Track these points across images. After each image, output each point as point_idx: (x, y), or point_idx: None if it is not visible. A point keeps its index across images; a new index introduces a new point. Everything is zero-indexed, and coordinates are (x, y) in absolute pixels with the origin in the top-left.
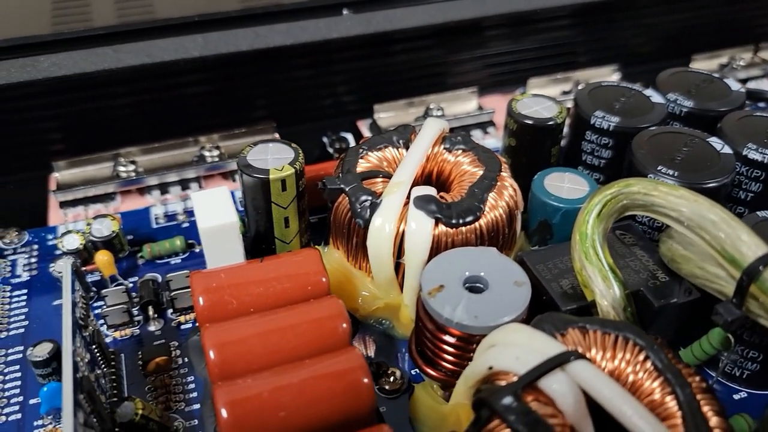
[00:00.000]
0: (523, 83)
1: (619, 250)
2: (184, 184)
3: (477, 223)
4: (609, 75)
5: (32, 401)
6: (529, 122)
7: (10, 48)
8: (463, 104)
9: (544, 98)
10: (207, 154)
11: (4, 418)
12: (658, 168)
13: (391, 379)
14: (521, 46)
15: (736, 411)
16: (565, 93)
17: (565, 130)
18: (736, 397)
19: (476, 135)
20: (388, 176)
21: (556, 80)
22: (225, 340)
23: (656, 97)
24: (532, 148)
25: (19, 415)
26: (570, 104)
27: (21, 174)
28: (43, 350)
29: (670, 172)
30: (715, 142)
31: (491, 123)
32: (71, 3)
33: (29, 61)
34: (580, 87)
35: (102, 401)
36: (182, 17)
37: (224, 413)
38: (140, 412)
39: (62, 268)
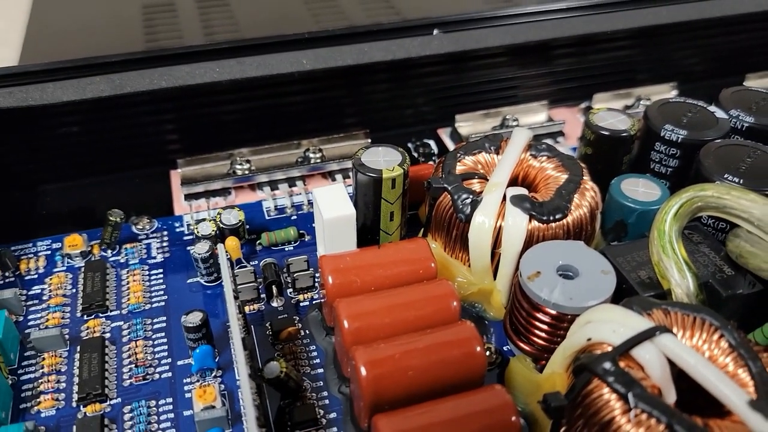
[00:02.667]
0: (588, 98)
1: (687, 247)
2: (291, 181)
3: (565, 220)
4: (668, 91)
5: (179, 362)
6: (606, 133)
7: (143, 59)
8: (534, 116)
9: (618, 112)
10: (311, 155)
11: (157, 375)
12: (725, 176)
13: (487, 353)
14: (587, 64)
15: None
16: (627, 107)
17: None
18: None
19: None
20: (483, 177)
21: (619, 95)
22: (357, 311)
23: (720, 113)
24: (607, 157)
25: (170, 374)
26: (640, 119)
27: (147, 169)
28: (195, 318)
29: (736, 179)
30: None
31: (561, 133)
32: (163, 23)
33: (157, 72)
34: (646, 102)
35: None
36: (295, 34)
37: (364, 371)
38: (284, 370)
39: (220, 250)
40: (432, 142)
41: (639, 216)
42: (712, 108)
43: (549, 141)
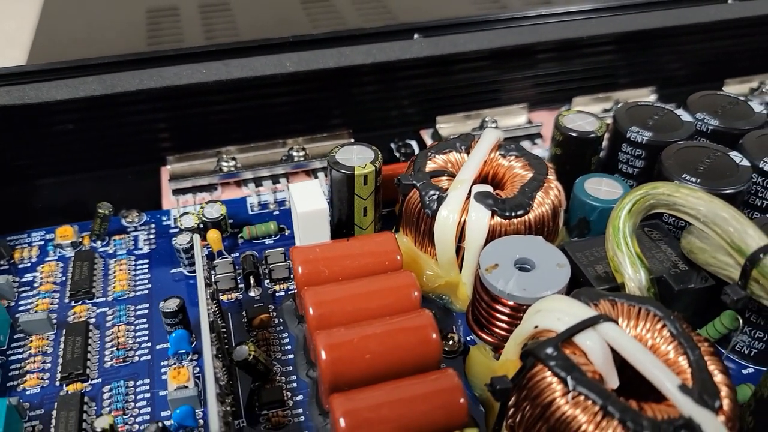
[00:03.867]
0: (568, 101)
1: (646, 244)
2: (275, 178)
3: (526, 217)
4: (647, 96)
5: (158, 346)
6: (574, 134)
7: (134, 61)
8: (514, 118)
9: (587, 114)
10: (294, 154)
11: (137, 358)
12: (683, 176)
13: (450, 342)
14: (567, 68)
15: (743, 382)
16: (605, 111)
17: (605, 143)
18: (744, 372)
19: (525, 145)
20: (452, 175)
21: (598, 99)
22: (322, 299)
23: (686, 116)
24: (575, 157)
25: (148, 357)
26: (610, 120)
27: (138, 166)
28: (172, 304)
29: (694, 179)
30: (735, 155)
31: (539, 135)
32: (165, 26)
33: (147, 72)
34: (618, 106)
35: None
36: (280, 38)
37: (324, 354)
38: (252, 353)
39: (194, 240)
40: (414, 143)
41: (600, 213)
42: (679, 111)
43: (527, 143)
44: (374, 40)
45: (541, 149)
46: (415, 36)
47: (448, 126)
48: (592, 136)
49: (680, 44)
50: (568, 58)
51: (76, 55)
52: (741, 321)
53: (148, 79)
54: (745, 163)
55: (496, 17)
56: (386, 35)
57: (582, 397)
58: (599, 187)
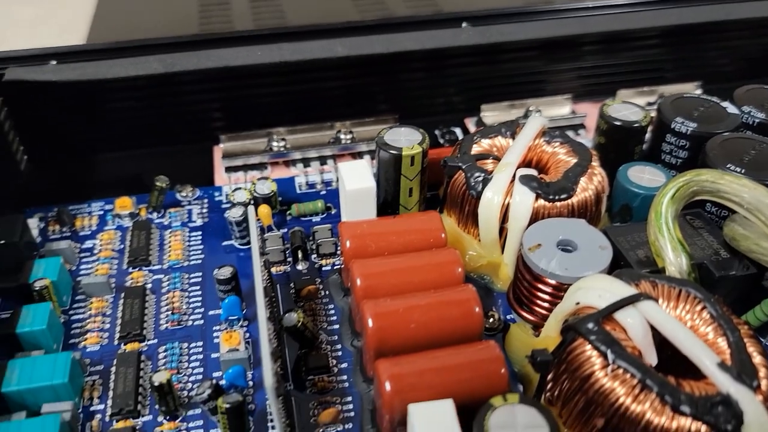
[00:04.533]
0: (612, 94)
1: (688, 231)
2: (322, 160)
3: (570, 201)
4: (692, 91)
5: (210, 312)
6: (618, 123)
7: (186, 43)
8: (558, 108)
9: (632, 105)
10: (342, 136)
11: (190, 322)
12: (728, 166)
13: (490, 320)
14: (613, 61)
15: None
16: (650, 104)
17: (648, 134)
18: None
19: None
20: (497, 159)
21: (643, 92)
22: (369, 271)
23: (731, 109)
24: (619, 146)
25: (201, 321)
26: (654, 113)
27: (193, 144)
28: (226, 271)
29: (738, 169)
30: None
31: (582, 126)
32: (216, 10)
33: (204, 53)
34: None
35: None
36: (330, 23)
37: (371, 322)
38: (301, 320)
39: (249, 210)
40: (458, 130)
41: (642, 200)
42: (725, 104)
43: (570, 133)
44: (423, 28)
45: (585, 140)
46: (464, 25)
47: (493, 114)
48: (636, 125)
49: (728, 39)
50: (614, 50)
51: (130, 37)
52: None
53: (205, 60)
54: None
55: (544, 8)
56: (435, 23)
57: (621, 371)
58: (642, 175)
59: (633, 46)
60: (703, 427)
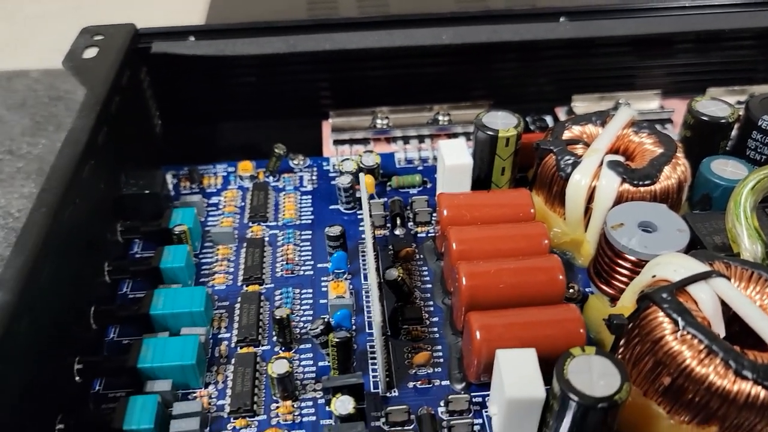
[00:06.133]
0: (702, 91)
1: (765, 222)
2: (420, 138)
3: (653, 187)
4: None
5: (319, 265)
6: (705, 118)
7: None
8: (647, 103)
9: (720, 102)
10: (440, 118)
11: (302, 272)
12: None
13: (570, 291)
14: (705, 60)
15: None
16: (740, 103)
17: (735, 132)
18: None
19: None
20: (586, 145)
21: (733, 91)
22: (464, 236)
23: None
24: (704, 140)
25: (311, 272)
26: (742, 111)
27: (305, 118)
28: (335, 229)
29: None
30: None
31: (670, 120)
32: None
33: (321, 37)
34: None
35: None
36: (436, 13)
37: (464, 280)
38: (400, 275)
39: (360, 176)
40: (549, 118)
41: (723, 191)
42: None
43: (657, 127)
44: (522, 21)
45: (671, 134)
46: (561, 19)
47: (583, 105)
48: (723, 121)
49: None
50: (706, 50)
51: (244, 20)
52: None
53: (323, 42)
54: None
55: (640, 6)
56: (534, 17)
57: (689, 336)
58: (725, 168)
59: (725, 46)
60: (763, 392)
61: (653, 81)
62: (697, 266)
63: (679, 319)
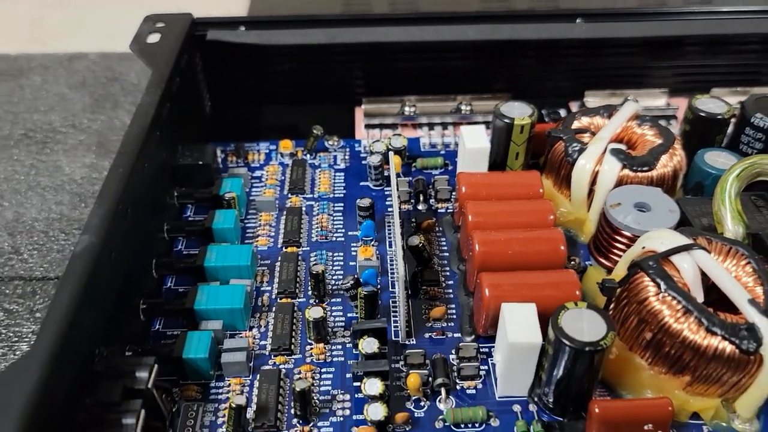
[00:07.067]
0: (707, 91)
1: (750, 208)
2: (444, 125)
3: (650, 173)
4: None
5: (350, 233)
6: (702, 114)
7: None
8: (654, 100)
9: (718, 100)
10: (462, 107)
11: (334, 238)
12: None
13: (572, 263)
14: (711, 62)
15: None
16: (740, 103)
17: (731, 128)
18: None
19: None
20: (593, 134)
21: (736, 92)
22: (480, 210)
23: None
24: (701, 134)
25: (343, 239)
26: (738, 109)
27: (339, 104)
28: (365, 201)
29: None
30: None
31: (674, 117)
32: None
33: (357, 30)
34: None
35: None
36: (463, 12)
37: (477, 246)
38: (422, 242)
39: (390, 155)
40: (563, 111)
41: (714, 180)
42: None
43: (662, 122)
44: (541, 21)
45: (673, 129)
46: (578, 20)
47: (595, 100)
48: (719, 117)
49: None
50: (713, 52)
51: (284, 12)
52: None
53: (360, 35)
54: None
55: (653, 10)
56: (552, 17)
57: (669, 298)
58: (717, 159)
59: (731, 50)
60: (729, 347)
61: (661, 80)
62: (682, 240)
63: (662, 282)
